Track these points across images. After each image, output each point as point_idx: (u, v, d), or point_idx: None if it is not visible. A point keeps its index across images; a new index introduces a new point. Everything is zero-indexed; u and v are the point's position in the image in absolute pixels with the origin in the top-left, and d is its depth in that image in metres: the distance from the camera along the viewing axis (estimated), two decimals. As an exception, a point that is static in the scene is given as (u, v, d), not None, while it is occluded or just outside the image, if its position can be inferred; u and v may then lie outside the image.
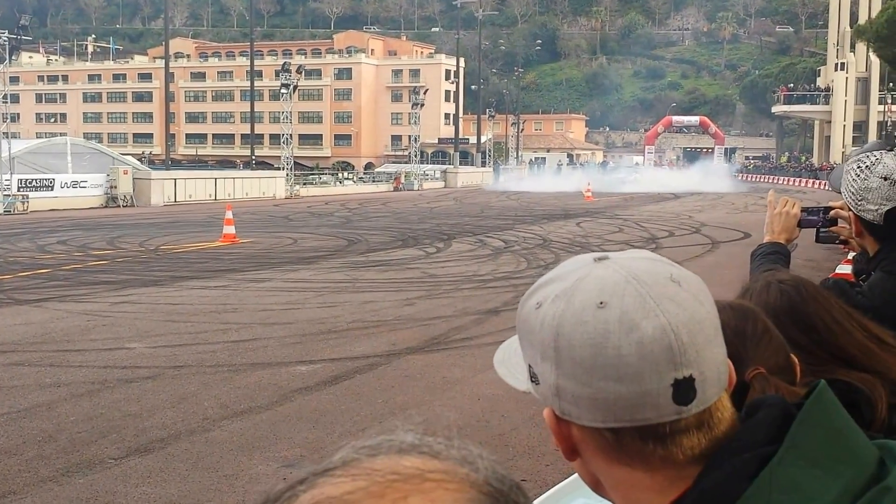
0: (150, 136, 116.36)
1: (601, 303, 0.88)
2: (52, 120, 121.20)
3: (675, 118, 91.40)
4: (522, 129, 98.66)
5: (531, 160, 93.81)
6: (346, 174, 67.66)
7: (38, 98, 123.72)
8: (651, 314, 0.87)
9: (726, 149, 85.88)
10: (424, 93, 66.04)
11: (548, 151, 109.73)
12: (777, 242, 2.66)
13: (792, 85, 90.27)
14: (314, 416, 7.26)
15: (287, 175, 49.70)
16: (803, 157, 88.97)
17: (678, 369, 0.87)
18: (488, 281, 15.39)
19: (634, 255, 0.94)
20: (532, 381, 0.94)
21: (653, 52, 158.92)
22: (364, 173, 72.01)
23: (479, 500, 0.55)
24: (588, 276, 0.91)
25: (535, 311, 0.92)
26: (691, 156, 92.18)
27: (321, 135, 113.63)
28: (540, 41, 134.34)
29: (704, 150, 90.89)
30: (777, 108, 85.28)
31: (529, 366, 0.94)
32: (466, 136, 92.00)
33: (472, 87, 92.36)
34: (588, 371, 0.87)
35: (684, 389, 0.87)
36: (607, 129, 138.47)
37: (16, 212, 33.05)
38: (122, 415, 7.24)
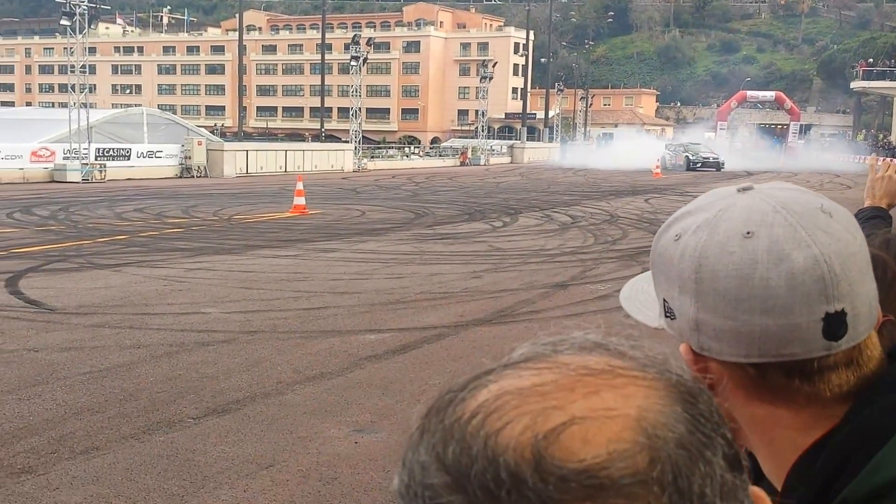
0: (223, 108, 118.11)
1: (748, 232, 0.85)
2: (128, 91, 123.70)
3: (750, 93, 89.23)
4: (591, 104, 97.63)
5: (599, 136, 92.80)
6: (412, 148, 67.87)
7: (115, 69, 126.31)
8: (802, 244, 0.84)
9: (801, 125, 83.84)
10: (493, 66, 65.75)
11: (616, 127, 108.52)
12: (879, 207, 2.61)
13: (871, 60, 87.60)
14: (384, 384, 7.40)
15: (355, 148, 50.07)
16: (881, 136, 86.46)
17: (830, 302, 0.83)
18: (555, 255, 15.39)
19: (780, 185, 0.91)
20: (666, 317, 0.92)
21: (727, 25, 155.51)
22: (430, 148, 72.13)
23: (672, 398, 0.53)
24: (733, 206, 0.88)
25: (675, 243, 0.90)
26: (765, 132, 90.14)
27: (388, 109, 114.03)
28: (611, 13, 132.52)
29: (779, 126, 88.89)
30: (855, 84, 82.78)
31: (664, 300, 0.92)
32: (534, 111, 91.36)
33: (542, 60, 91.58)
34: (732, 303, 0.84)
35: (835, 324, 0.84)
36: (678, 104, 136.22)
37: (93, 180, 33.91)
38: (200, 376, 7.47)
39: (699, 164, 53.80)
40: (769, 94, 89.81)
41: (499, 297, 11.28)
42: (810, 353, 0.85)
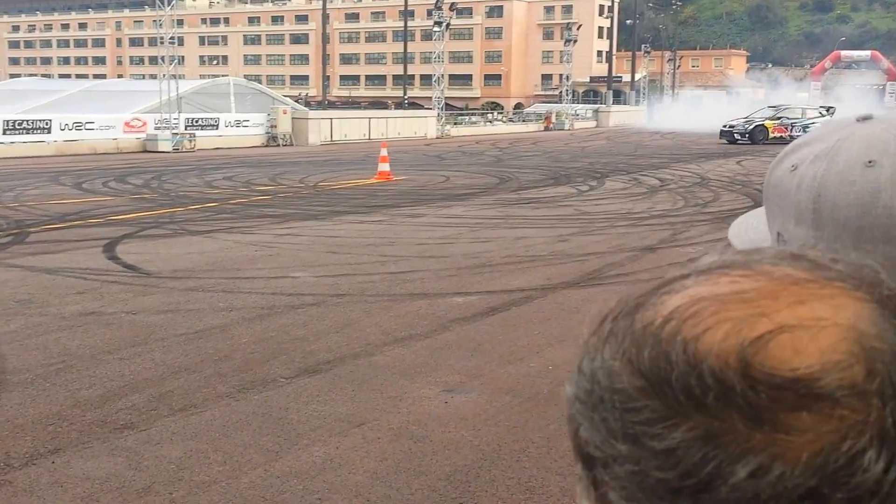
0: (306, 77, 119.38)
1: (869, 161, 0.83)
2: (215, 62, 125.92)
3: (844, 53, 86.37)
4: (679, 66, 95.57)
5: (688, 98, 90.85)
6: (495, 114, 67.56)
7: (202, 40, 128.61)
8: None
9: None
10: (577, 29, 64.82)
11: (705, 89, 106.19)
12: None
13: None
14: (472, 345, 7.41)
15: (438, 115, 50.08)
16: None
17: None
18: (644, 219, 15.17)
19: None
20: None
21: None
22: (514, 113, 71.69)
23: (884, 311, 0.49)
24: (852, 136, 0.86)
25: (791, 174, 0.88)
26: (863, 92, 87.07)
27: (471, 75, 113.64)
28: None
29: (875, 87, 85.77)
30: (958, 41, 79.27)
31: (778, 233, 0.91)
32: (620, 75, 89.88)
33: (627, 22, 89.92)
34: (853, 233, 0.83)
35: None
36: (770, 65, 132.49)
37: (183, 150, 34.66)
38: (291, 338, 7.59)
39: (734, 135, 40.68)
40: (864, 54, 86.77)
41: (586, 260, 11.18)
42: None
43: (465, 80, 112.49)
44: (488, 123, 59.65)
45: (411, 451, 5.22)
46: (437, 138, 47.47)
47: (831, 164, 0.85)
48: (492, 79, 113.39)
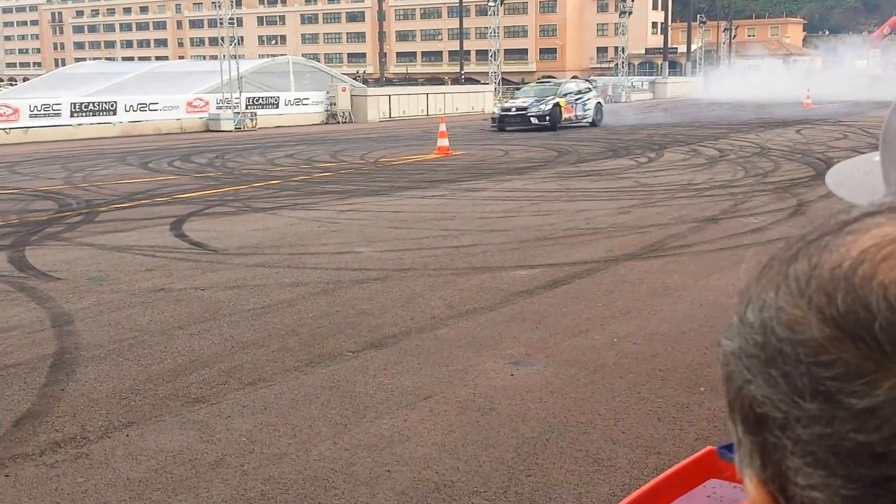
0: (364, 55, 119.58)
1: None
2: (273, 42, 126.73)
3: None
4: (735, 36, 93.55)
5: (745, 67, 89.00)
6: (553, 87, 66.94)
7: (260, 21, 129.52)
8: None
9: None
10: (632, 1, 63.82)
11: (762, 59, 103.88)
12: None
13: None
14: (536, 318, 7.40)
15: (495, 90, 49.87)
16: None
17: None
18: (704, 189, 14.95)
19: None
20: None
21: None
22: (571, 86, 70.90)
23: None
24: None
25: None
26: None
27: (526, 49, 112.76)
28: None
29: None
30: None
31: None
32: (675, 46, 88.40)
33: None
34: None
35: None
36: (827, 32, 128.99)
37: (245, 129, 35.04)
38: (357, 312, 7.66)
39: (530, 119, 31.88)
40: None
41: (648, 232, 11.07)
42: None
43: (521, 54, 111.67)
44: (545, 97, 59.15)
45: (478, 424, 5.24)
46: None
47: None
48: (547, 53, 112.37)
